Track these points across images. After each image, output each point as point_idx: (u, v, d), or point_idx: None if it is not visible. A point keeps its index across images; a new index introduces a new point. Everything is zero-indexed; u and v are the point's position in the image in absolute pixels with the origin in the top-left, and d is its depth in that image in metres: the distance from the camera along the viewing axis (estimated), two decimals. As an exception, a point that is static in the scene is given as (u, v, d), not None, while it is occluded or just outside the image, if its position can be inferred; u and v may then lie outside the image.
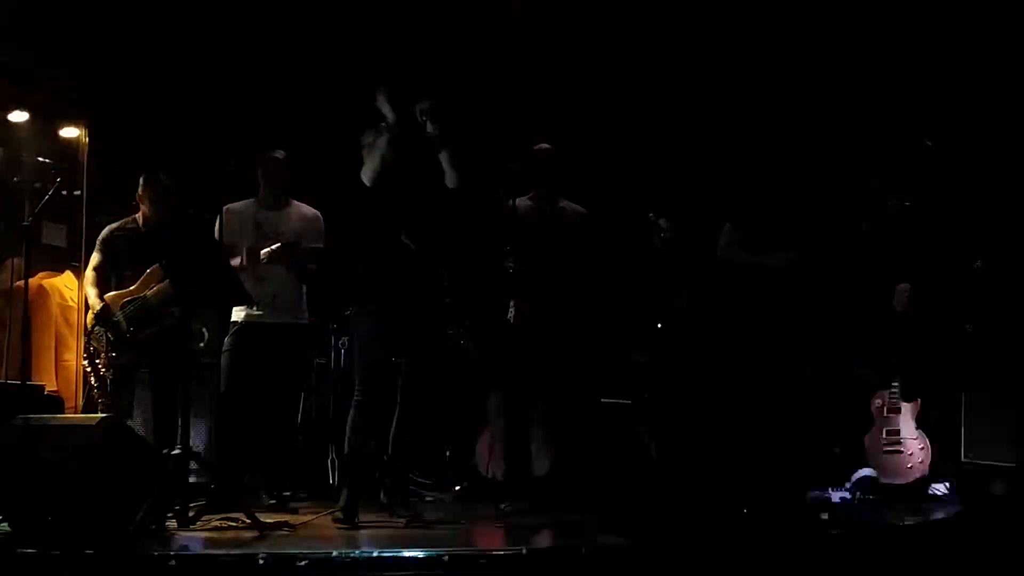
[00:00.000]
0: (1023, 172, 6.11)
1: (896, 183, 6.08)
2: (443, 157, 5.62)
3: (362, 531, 5.40)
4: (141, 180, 6.38)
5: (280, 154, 6.43)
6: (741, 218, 6.33)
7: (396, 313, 5.56)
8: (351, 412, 5.62)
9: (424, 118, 5.59)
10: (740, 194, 6.46)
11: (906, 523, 5.37)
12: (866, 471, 6.21)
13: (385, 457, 5.78)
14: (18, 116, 7.00)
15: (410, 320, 5.59)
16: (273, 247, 6.13)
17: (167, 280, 6.04)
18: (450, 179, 5.63)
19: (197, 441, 6.08)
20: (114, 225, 6.43)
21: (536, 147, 6.41)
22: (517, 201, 6.17)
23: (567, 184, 6.42)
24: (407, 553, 4.40)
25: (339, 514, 5.51)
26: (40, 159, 6.86)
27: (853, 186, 6.06)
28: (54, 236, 7.11)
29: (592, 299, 6.34)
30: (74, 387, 6.76)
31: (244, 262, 6.12)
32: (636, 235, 6.57)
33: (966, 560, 4.62)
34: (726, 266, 6.41)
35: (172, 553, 4.55)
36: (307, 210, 6.46)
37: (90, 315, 6.27)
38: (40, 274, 6.92)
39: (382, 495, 5.85)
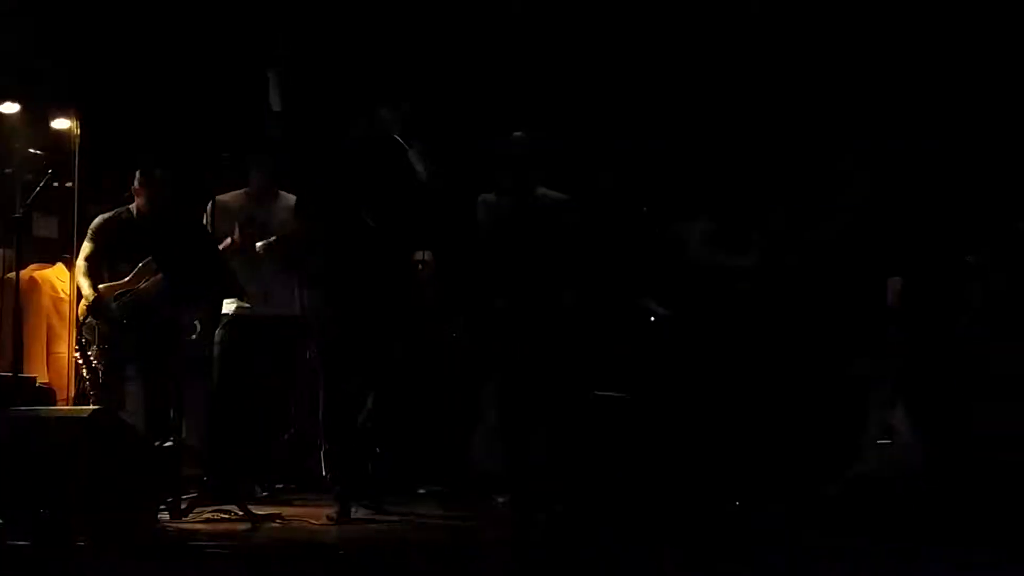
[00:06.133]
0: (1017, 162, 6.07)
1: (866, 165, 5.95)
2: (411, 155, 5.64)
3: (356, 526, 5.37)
4: (137, 174, 6.36)
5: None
6: (715, 211, 6.23)
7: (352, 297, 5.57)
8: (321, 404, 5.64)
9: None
10: (716, 185, 6.35)
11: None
12: None
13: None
14: (9, 107, 6.97)
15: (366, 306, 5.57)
16: (270, 240, 6.13)
17: (161, 274, 6.04)
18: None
19: (189, 433, 6.07)
20: (107, 215, 6.41)
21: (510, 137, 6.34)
22: (493, 195, 6.17)
23: (545, 173, 6.36)
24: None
25: (333, 515, 5.47)
26: (31, 151, 6.83)
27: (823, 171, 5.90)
28: (45, 228, 7.09)
29: (582, 287, 6.31)
30: (66, 379, 6.73)
31: (237, 237, 6.09)
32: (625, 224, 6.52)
33: None
34: (697, 265, 6.31)
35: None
36: (294, 201, 6.44)
37: (83, 305, 6.26)
38: (31, 266, 6.89)
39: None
